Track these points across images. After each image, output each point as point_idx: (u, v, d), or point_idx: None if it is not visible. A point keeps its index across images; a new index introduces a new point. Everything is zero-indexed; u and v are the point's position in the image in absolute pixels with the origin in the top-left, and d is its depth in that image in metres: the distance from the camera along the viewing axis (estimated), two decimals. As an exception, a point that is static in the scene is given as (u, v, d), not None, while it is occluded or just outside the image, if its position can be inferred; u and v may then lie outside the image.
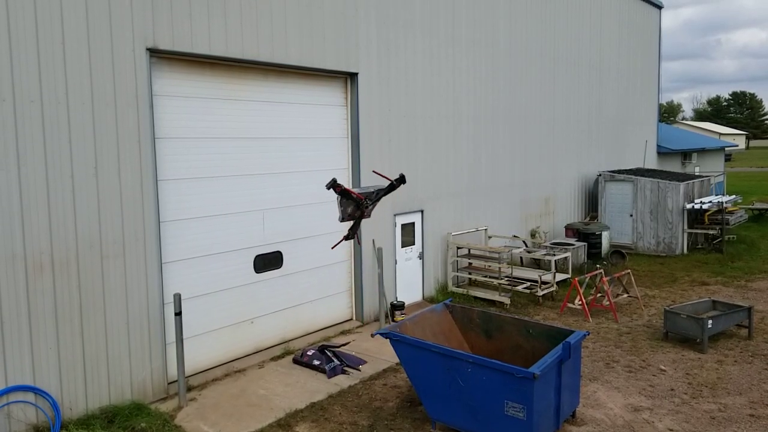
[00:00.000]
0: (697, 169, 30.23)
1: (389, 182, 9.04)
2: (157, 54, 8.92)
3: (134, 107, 8.54)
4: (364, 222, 12.33)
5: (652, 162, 26.92)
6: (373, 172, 9.70)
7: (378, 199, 9.09)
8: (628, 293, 13.82)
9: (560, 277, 14.87)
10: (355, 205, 8.80)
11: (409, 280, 13.87)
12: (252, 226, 10.66)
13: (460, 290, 14.43)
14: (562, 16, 19.46)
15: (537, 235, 18.42)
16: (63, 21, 7.75)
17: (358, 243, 9.31)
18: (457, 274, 14.76)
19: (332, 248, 10.43)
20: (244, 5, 9.89)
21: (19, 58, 7.41)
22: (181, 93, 9.44)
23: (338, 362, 10.01)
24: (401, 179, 9.03)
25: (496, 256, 14.19)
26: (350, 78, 12.12)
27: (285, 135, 11.13)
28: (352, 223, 9.14)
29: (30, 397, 7.66)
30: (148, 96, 8.71)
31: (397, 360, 9.82)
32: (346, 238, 9.19)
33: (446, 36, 14.42)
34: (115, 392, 8.48)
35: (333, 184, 8.15)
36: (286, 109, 11.12)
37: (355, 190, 8.77)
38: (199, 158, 9.78)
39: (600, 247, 17.68)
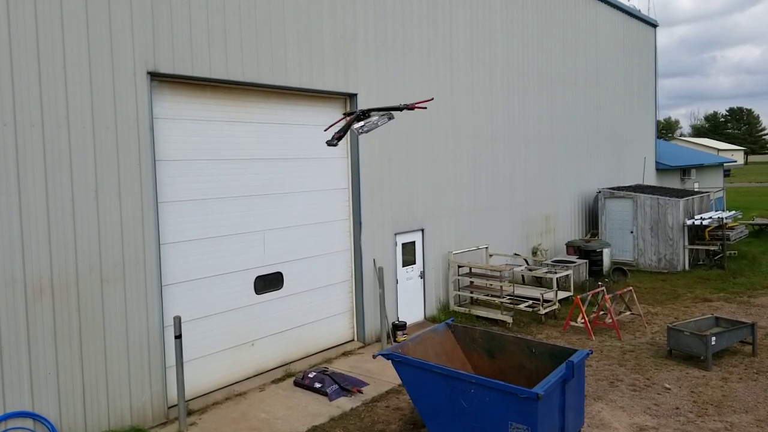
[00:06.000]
0: (696, 185, 30.27)
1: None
2: (157, 77, 8.99)
3: (135, 130, 8.58)
4: (364, 241, 12.39)
5: (651, 178, 26.98)
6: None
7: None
8: (630, 311, 13.75)
9: (562, 295, 14.81)
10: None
11: (411, 300, 13.80)
12: (252, 247, 10.64)
13: (462, 309, 14.36)
14: (559, 36, 19.65)
15: (538, 252, 18.38)
16: (64, 45, 7.82)
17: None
18: (459, 293, 14.70)
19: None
20: (244, 29, 9.99)
21: (20, 83, 7.46)
22: (181, 115, 9.50)
23: (340, 384, 9.92)
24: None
25: (498, 274, 14.14)
26: (349, 99, 12.20)
27: (285, 156, 11.17)
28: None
29: (29, 423, 7.57)
30: (148, 119, 8.75)
31: (399, 381, 9.73)
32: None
33: (444, 56, 14.55)
34: (115, 417, 8.39)
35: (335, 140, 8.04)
36: (286, 130, 11.17)
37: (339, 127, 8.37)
38: (200, 180, 9.80)
39: (601, 265, 17.65)
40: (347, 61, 11.93)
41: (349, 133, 12.15)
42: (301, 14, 10.96)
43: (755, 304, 15.06)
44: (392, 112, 8.35)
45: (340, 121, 8.92)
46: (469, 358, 9.37)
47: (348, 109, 12.20)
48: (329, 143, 8.14)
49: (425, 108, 8.32)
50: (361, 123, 8.28)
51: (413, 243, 13.86)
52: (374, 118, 8.27)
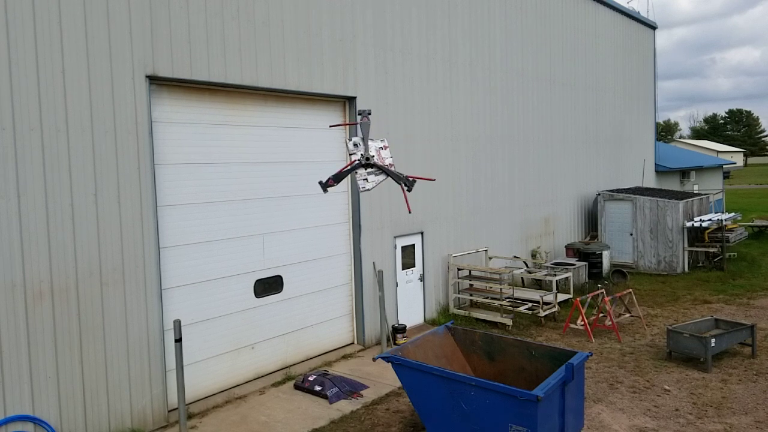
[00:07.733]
0: (695, 187, 30.29)
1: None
2: (156, 81, 9.01)
3: (134, 134, 8.60)
4: (364, 244, 12.40)
5: (650, 181, 27.00)
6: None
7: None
8: (630, 313, 13.75)
9: (562, 297, 14.81)
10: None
11: (411, 303, 13.81)
12: (252, 251, 10.65)
13: (461, 312, 14.35)
14: (558, 38, 19.69)
15: (538, 255, 18.39)
16: (63, 50, 7.84)
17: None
18: (459, 295, 14.70)
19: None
20: (242, 32, 10.02)
21: (19, 87, 7.48)
22: (180, 119, 9.52)
23: (340, 387, 9.92)
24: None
25: (497, 277, 14.14)
26: (348, 101, 12.22)
27: (284, 159, 11.18)
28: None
29: (29, 427, 7.57)
30: (147, 122, 8.77)
31: (399, 384, 9.74)
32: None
33: (443, 59, 14.58)
34: (115, 421, 8.39)
35: (326, 184, 7.74)
36: (285, 133, 11.19)
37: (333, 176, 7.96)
38: (199, 183, 9.81)
39: (601, 267, 17.65)
40: (346, 63, 11.96)
41: (346, 129, 12.14)
42: (299, 17, 10.99)
43: (755, 305, 15.06)
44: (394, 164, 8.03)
45: (343, 125, 8.71)
46: (468, 360, 9.37)
47: (347, 114, 12.22)
48: (322, 186, 7.76)
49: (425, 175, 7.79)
50: (365, 178, 7.96)
51: (413, 246, 13.87)
52: (380, 177, 7.94)
